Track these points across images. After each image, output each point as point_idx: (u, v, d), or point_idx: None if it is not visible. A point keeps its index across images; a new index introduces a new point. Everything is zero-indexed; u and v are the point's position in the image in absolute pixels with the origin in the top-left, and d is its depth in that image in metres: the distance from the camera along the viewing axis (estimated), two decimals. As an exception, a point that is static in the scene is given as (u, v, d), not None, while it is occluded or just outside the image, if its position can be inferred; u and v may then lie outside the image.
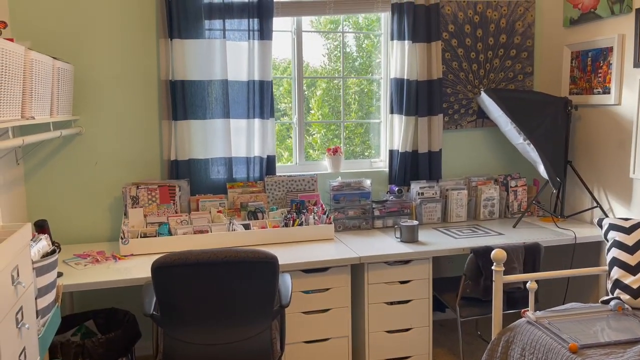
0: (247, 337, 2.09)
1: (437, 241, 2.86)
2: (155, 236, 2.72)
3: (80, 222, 2.97)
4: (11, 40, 1.80)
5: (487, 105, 3.27)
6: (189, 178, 3.02)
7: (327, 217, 2.97)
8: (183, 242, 2.69)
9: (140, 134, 3.02)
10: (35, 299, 1.67)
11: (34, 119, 2.02)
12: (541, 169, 3.08)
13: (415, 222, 2.89)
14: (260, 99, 3.07)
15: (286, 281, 2.28)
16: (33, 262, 1.67)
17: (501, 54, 3.53)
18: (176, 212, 2.92)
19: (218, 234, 2.76)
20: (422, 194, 3.29)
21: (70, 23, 2.85)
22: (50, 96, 2.30)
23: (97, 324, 2.75)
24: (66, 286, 2.22)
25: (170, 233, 2.75)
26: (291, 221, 2.90)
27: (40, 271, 1.73)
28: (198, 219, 2.86)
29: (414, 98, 3.30)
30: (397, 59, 3.29)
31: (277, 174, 3.18)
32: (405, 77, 3.28)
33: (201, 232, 2.77)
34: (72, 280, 2.29)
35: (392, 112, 3.36)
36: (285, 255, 2.58)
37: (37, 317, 1.68)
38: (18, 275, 1.43)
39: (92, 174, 2.97)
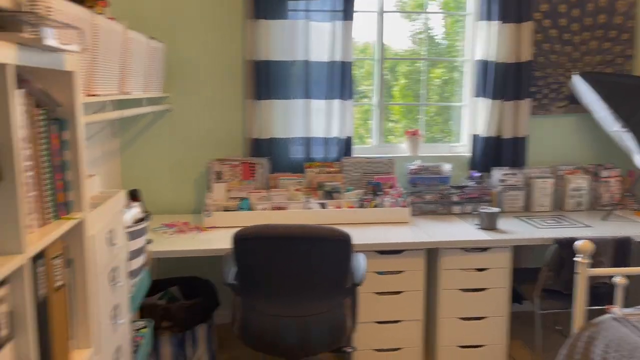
0: (320, 312, 2.14)
1: (518, 230, 2.76)
2: (237, 210, 2.83)
3: (168, 194, 3.15)
4: (112, 19, 1.92)
5: (581, 89, 3.08)
6: (269, 156, 3.10)
7: (404, 200, 2.94)
8: (262, 217, 2.78)
9: (225, 112, 3.14)
10: (128, 261, 1.80)
11: (130, 94, 2.16)
12: (637, 159, 2.87)
13: (497, 209, 2.80)
14: (340, 79, 3.08)
15: (360, 261, 2.30)
16: (126, 227, 1.80)
17: (599, 35, 3.30)
18: (256, 189, 3.02)
19: (295, 211, 2.83)
20: (504, 181, 3.18)
21: (163, 4, 3.00)
22: (144, 73, 2.44)
23: (181, 290, 2.91)
24: (155, 252, 2.37)
25: (250, 208, 2.85)
26: (367, 202, 2.91)
27: (132, 235, 1.87)
28: (277, 195, 2.94)
29: (501, 81, 3.17)
30: (484, 40, 3.17)
31: (355, 155, 3.19)
32: (492, 59, 3.16)
33: (279, 208, 2.85)
34: (160, 248, 2.44)
35: (476, 95, 3.26)
36: (360, 236, 2.60)
37: (128, 278, 1.81)
38: (113, 237, 1.55)
39: (180, 149, 3.12)
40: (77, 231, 1.29)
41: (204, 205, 2.91)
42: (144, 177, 3.11)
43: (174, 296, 2.88)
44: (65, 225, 1.21)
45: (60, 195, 1.24)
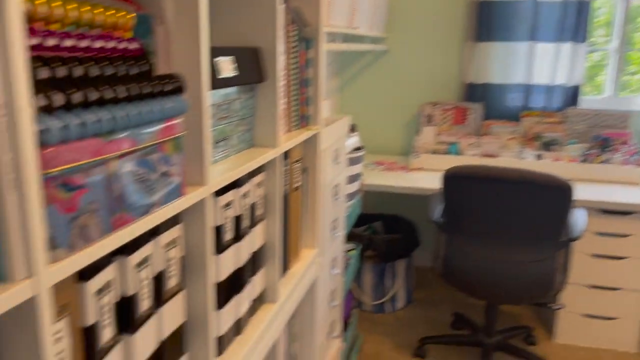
0: (529, 261, 2.04)
1: None
2: (445, 154, 2.82)
3: (379, 134, 3.26)
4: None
5: None
6: (483, 102, 2.99)
7: (638, 158, 2.60)
8: (471, 163, 2.73)
9: (442, 55, 3.09)
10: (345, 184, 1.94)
11: (358, 29, 2.26)
12: None
13: None
14: (575, 21, 2.78)
15: (579, 216, 2.13)
16: (346, 152, 1.93)
17: None
18: (467, 134, 2.95)
19: (507, 159, 2.70)
20: None
21: (391, -55, 3.02)
22: (371, 11, 2.52)
23: (384, 226, 3.04)
24: (365, 185, 2.51)
25: (459, 153, 2.81)
26: (591, 158, 2.64)
27: (350, 161, 1.99)
28: (488, 143, 2.84)
29: None
30: None
31: (582, 106, 2.90)
32: None
33: (490, 156, 2.75)
34: (370, 182, 2.56)
35: None
36: (582, 191, 2.39)
37: (345, 198, 1.95)
38: (338, 156, 1.68)
39: (394, 91, 3.19)
40: (312, 142, 1.43)
41: (412, 147, 2.96)
42: (358, 116, 3.27)
43: (376, 231, 3.03)
44: (304, 135, 1.34)
45: (302, 108, 1.38)
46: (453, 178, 2.04)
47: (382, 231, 3.03)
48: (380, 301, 2.77)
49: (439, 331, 2.63)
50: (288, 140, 1.22)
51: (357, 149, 2.13)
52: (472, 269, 2.10)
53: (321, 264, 1.54)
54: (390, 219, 3.04)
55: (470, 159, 2.75)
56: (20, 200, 0.45)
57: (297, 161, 1.33)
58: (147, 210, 0.66)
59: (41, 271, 0.48)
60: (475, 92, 3.00)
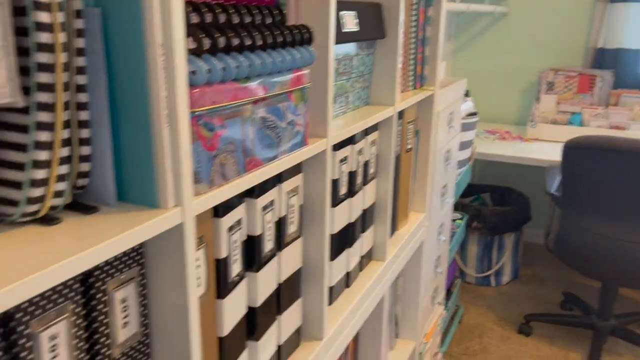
0: (657, 242, 1.88)
1: None
2: (566, 125, 2.64)
3: (493, 101, 3.12)
4: None
5: None
6: (614, 69, 2.74)
7: None
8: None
9: (569, 17, 2.86)
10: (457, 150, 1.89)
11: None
12: None
13: None
14: None
15: None
16: (460, 117, 1.87)
17: None
18: (592, 104, 2.73)
19: (638, 132, 2.47)
20: None
21: None
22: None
23: (492, 198, 2.94)
24: (477, 153, 2.42)
25: (582, 124, 2.61)
26: None
27: (463, 127, 1.93)
28: (616, 114, 2.60)
29: None
30: None
31: None
32: None
33: (618, 128, 2.53)
34: (481, 150, 2.47)
35: None
36: None
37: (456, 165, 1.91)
38: (452, 119, 1.64)
39: (512, 56, 3.02)
40: (427, 104, 1.40)
41: (529, 116, 2.80)
42: (471, 82, 3.14)
43: (484, 202, 2.93)
44: (419, 96, 1.32)
45: (418, 68, 1.35)
46: (576, 149, 1.91)
47: (490, 203, 2.92)
48: (485, 274, 2.70)
49: (546, 309, 2.52)
50: (403, 100, 1.21)
51: (471, 114, 2.05)
52: (589, 247, 1.97)
53: (429, 228, 1.53)
54: (500, 190, 2.92)
55: (594, 130, 2.54)
56: (173, 135, 0.50)
57: (410, 122, 1.31)
58: (275, 156, 0.69)
59: (188, 201, 0.52)
60: (605, 58, 2.75)
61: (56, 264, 0.40)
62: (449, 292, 2.20)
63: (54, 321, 0.46)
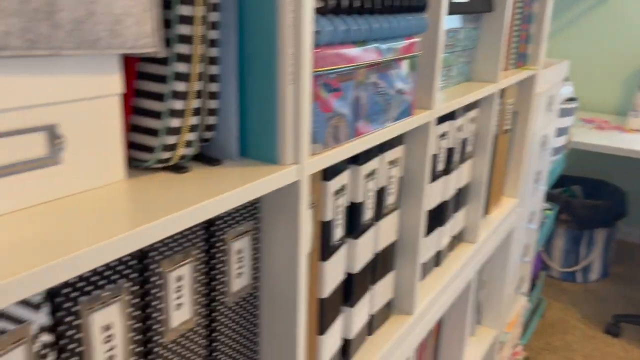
0: None
1: None
2: (674, 115, 2.43)
3: (592, 88, 2.93)
4: None
5: None
6: None
7: None
8: None
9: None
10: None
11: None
12: None
13: None
14: None
15: None
16: (559, 102, 1.77)
17: None
18: None
19: None
20: None
21: None
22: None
23: (584, 190, 2.78)
24: (572, 142, 2.29)
25: (693, 115, 2.40)
26: None
27: (561, 112, 1.83)
28: None
29: None
30: None
31: None
32: None
33: None
34: (577, 139, 2.33)
35: None
36: None
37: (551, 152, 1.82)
38: (551, 103, 1.56)
39: (615, 40, 2.81)
40: (527, 84, 1.34)
41: (631, 106, 2.61)
42: (569, 66, 2.97)
43: (575, 194, 2.78)
44: (520, 75, 1.26)
45: (521, 46, 1.29)
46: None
47: (580, 196, 2.77)
48: (571, 269, 2.57)
49: (638, 311, 2.36)
50: (504, 78, 1.16)
51: (570, 99, 1.94)
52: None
53: (520, 215, 1.47)
54: (592, 183, 2.76)
55: None
56: (295, 93, 0.51)
57: (510, 102, 1.26)
58: (383, 123, 0.69)
59: (305, 160, 0.53)
60: None
61: (186, 209, 0.42)
62: (533, 284, 2.11)
63: (181, 263, 0.48)
